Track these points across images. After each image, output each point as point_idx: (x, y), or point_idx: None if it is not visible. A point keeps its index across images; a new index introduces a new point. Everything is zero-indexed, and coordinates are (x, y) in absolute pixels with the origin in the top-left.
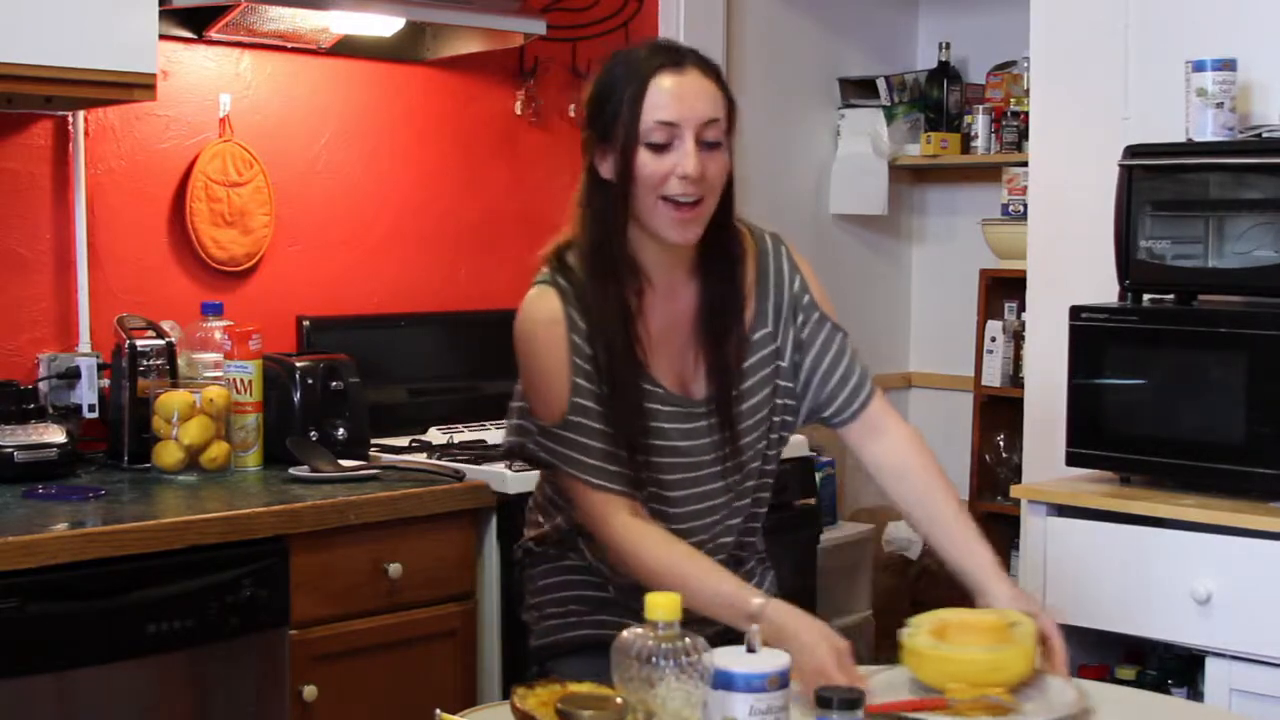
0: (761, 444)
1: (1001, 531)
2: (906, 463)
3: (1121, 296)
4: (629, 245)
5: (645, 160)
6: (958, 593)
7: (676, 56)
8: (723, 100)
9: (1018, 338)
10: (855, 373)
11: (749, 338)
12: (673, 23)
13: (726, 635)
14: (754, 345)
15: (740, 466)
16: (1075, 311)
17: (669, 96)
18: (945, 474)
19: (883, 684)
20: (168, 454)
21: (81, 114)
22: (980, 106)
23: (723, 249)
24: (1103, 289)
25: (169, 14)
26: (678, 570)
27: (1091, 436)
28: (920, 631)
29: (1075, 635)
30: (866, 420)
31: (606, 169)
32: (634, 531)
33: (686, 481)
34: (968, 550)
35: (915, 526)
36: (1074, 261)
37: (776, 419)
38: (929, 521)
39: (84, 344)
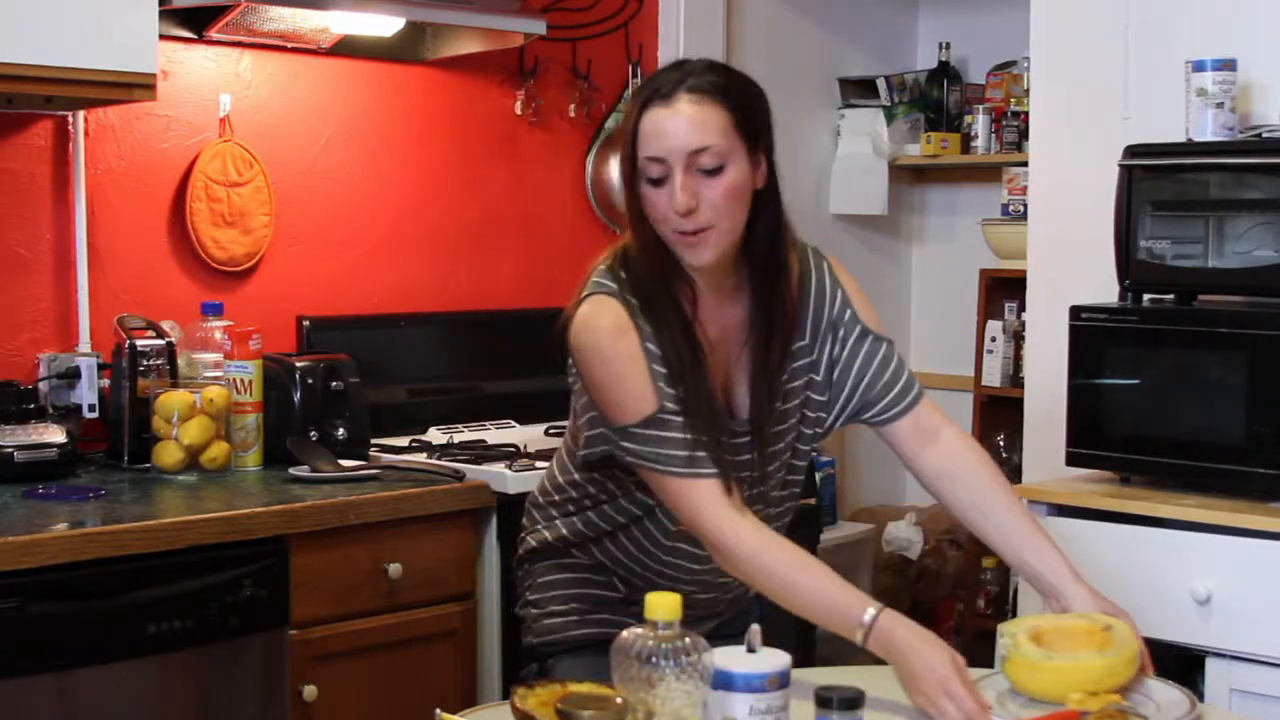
0: (786, 454)
1: None
2: (961, 465)
3: (1121, 296)
4: (675, 259)
5: (648, 195)
6: (957, 593)
7: (669, 85)
8: (723, 121)
9: (1018, 338)
10: (902, 377)
11: (790, 349)
12: (673, 23)
13: (724, 634)
14: (792, 356)
15: (764, 478)
16: (1075, 311)
17: (654, 132)
18: (1004, 476)
19: (990, 697)
20: (168, 454)
21: (81, 114)
22: (980, 106)
23: (770, 264)
24: (1103, 289)
25: (169, 14)
26: (789, 575)
27: (1091, 436)
28: (1024, 641)
29: None
30: (917, 423)
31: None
32: (739, 528)
33: None
34: (1037, 553)
35: (974, 530)
36: (1074, 261)
37: (807, 431)
38: (991, 525)
39: (84, 344)
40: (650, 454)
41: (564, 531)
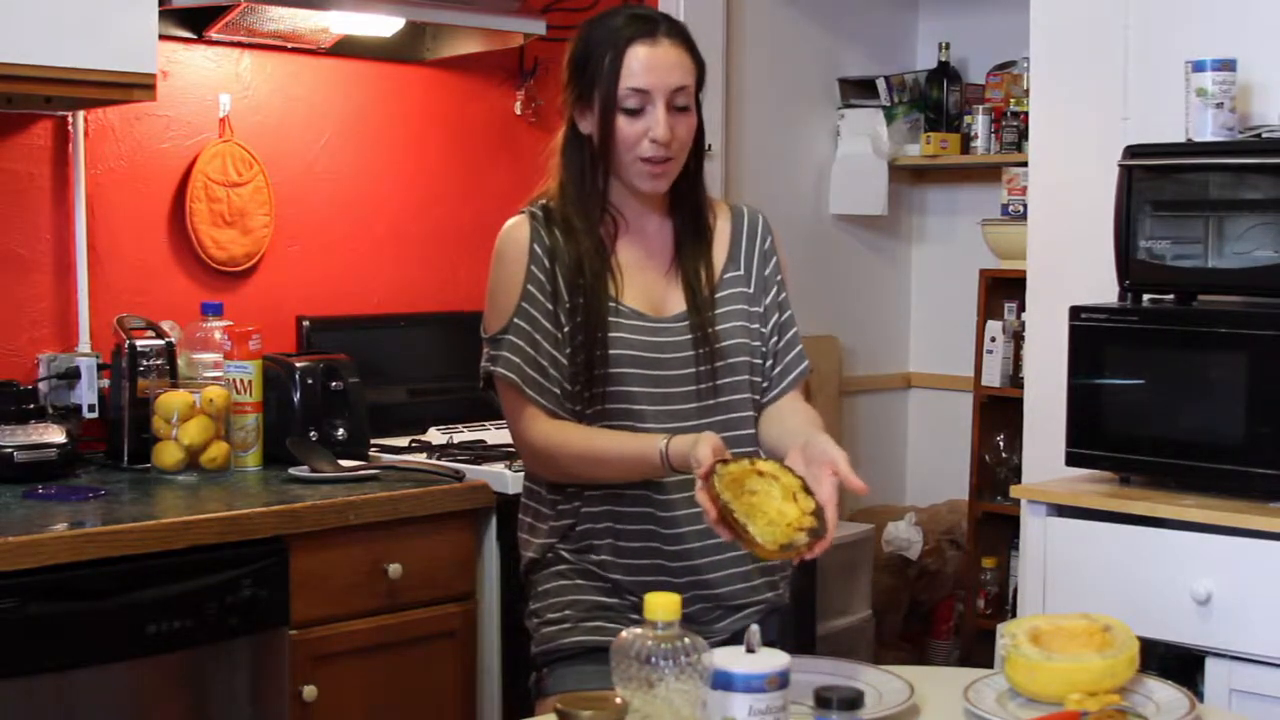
0: (747, 376)
1: (1001, 531)
2: (787, 409)
3: (1121, 296)
4: (603, 189)
5: (621, 124)
6: (957, 593)
7: (650, 26)
8: (692, 65)
9: (1018, 338)
10: (786, 357)
11: (721, 275)
12: None
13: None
14: (725, 281)
15: (717, 388)
16: (1075, 311)
17: (642, 66)
18: (819, 420)
19: (990, 697)
20: (167, 454)
21: (81, 114)
22: (980, 106)
23: (691, 192)
24: (1103, 289)
25: (169, 14)
26: (592, 446)
27: (1091, 436)
28: (1024, 641)
29: None
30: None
31: (586, 125)
32: (552, 429)
33: (656, 397)
34: (799, 425)
35: (771, 441)
36: (1074, 261)
37: (755, 343)
38: (780, 424)
39: (84, 344)
40: (503, 359)
41: (549, 539)
